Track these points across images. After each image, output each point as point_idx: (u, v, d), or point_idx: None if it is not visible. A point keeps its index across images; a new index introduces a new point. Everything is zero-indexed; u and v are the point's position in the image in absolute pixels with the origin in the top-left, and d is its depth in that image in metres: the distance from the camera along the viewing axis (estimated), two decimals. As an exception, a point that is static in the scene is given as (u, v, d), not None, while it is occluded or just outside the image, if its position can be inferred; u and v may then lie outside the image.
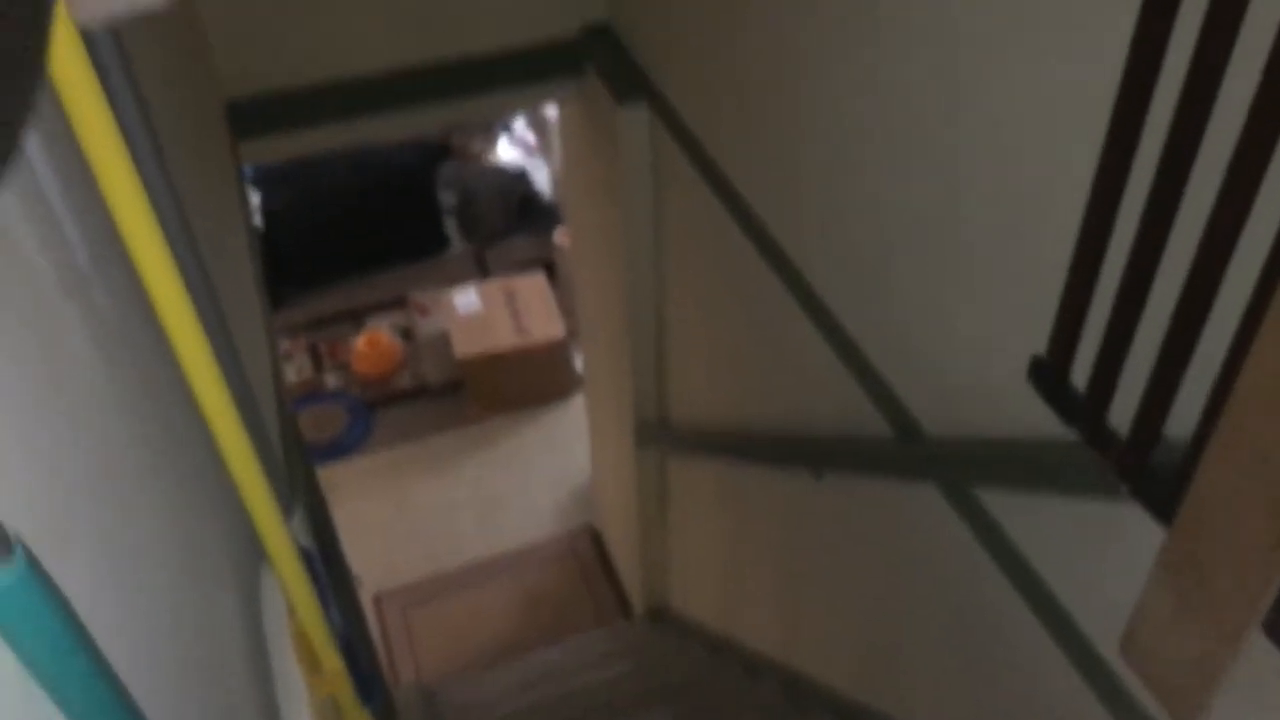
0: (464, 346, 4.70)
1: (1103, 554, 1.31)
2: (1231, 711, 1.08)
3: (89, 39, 0.74)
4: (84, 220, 0.77)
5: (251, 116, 2.50)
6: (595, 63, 2.65)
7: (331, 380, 5.06)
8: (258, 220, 5.14)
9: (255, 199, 5.15)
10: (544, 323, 4.77)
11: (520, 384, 4.80)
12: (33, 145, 0.68)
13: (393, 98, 2.61)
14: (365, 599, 4.17)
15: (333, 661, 1.13)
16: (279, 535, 0.98)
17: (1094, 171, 1.09)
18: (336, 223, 5.31)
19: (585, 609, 4.26)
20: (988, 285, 1.40)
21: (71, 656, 0.53)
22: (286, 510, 1.24)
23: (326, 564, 1.38)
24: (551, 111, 4.36)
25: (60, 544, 0.59)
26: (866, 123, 1.62)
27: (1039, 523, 1.42)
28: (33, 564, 0.49)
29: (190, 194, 1.35)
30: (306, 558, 1.21)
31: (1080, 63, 1.13)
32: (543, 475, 4.66)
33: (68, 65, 0.65)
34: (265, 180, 5.18)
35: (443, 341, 4.86)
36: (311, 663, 1.09)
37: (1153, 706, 1.25)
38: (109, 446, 0.75)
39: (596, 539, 4.46)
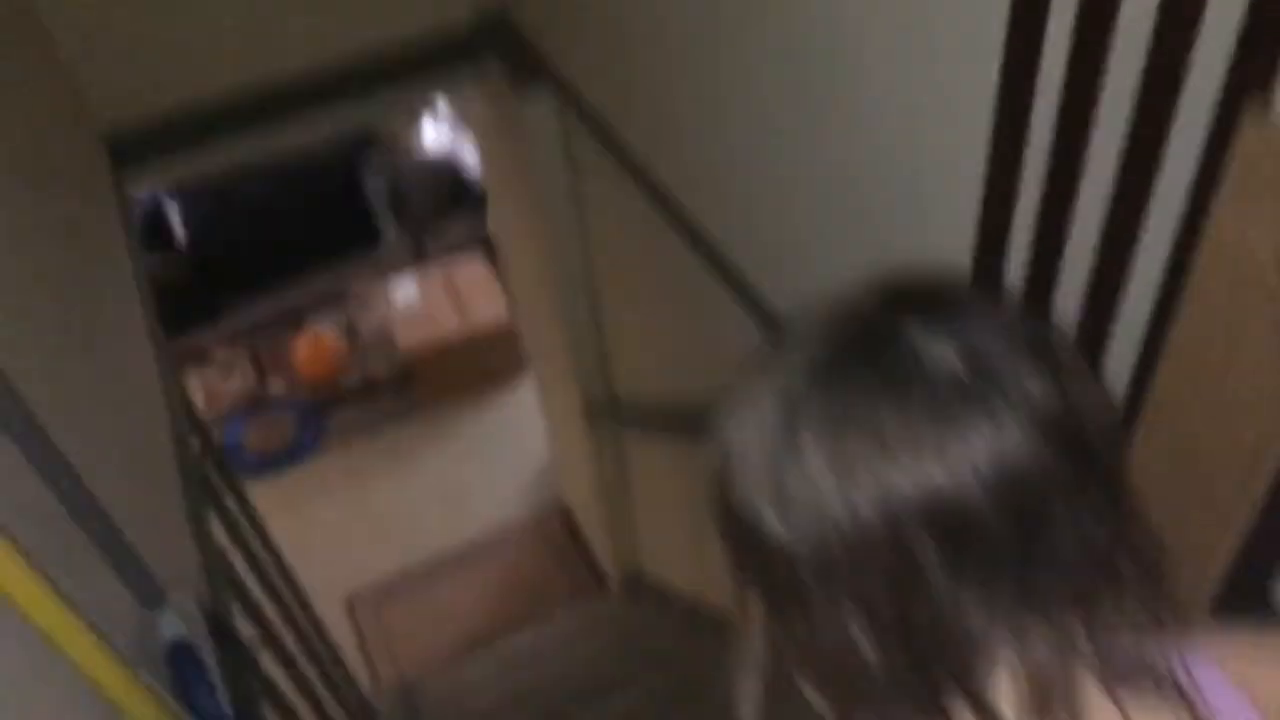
0: (407, 338, 4.61)
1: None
2: None
3: None
4: None
5: (134, 146, 2.38)
6: (494, 51, 2.54)
7: (276, 386, 4.94)
8: (180, 233, 4.98)
9: (174, 212, 4.98)
10: (487, 305, 4.69)
11: (470, 369, 4.72)
12: None
13: (282, 106, 2.50)
14: (336, 605, 4.12)
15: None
16: (121, 687, 0.90)
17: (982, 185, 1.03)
18: (263, 224, 5.15)
19: (561, 588, 4.23)
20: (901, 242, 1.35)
21: None
22: (153, 601, 1.17)
23: (228, 639, 1.31)
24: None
25: None
26: (762, 112, 1.55)
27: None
28: None
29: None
30: (184, 652, 1.14)
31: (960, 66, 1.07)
32: (504, 459, 4.60)
33: None
34: (183, 192, 5.01)
35: (386, 335, 4.76)
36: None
37: None
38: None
39: (566, 516, 4.42)
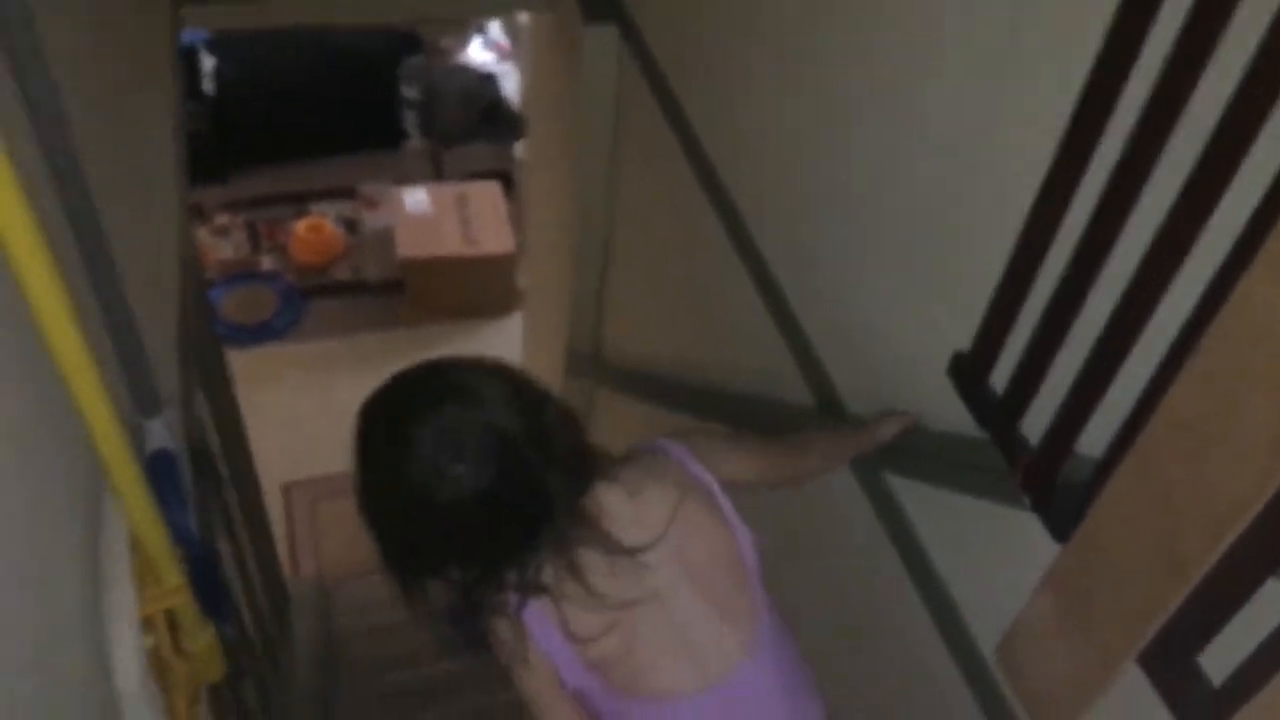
0: (407, 247, 4.60)
1: (998, 557, 1.30)
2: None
3: None
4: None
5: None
6: (571, -24, 2.53)
7: (267, 262, 4.92)
8: (210, 87, 4.93)
9: (209, 64, 4.93)
10: (493, 234, 4.68)
11: (461, 293, 4.71)
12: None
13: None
14: (273, 488, 4.11)
15: (173, 577, 1.07)
16: (114, 444, 0.91)
17: (1044, 176, 1.05)
18: (292, 100, 5.11)
19: (496, 526, 4.25)
20: (924, 270, 1.37)
21: None
22: (148, 409, 1.18)
23: (207, 462, 1.32)
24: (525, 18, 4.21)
25: None
26: (824, 98, 1.56)
27: (942, 515, 1.41)
28: None
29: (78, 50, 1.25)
30: (166, 461, 1.15)
31: (1042, 67, 1.08)
32: (471, 388, 4.60)
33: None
34: (222, 46, 4.95)
35: (387, 238, 4.74)
36: (153, 576, 1.04)
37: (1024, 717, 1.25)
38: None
39: (517, 458, 4.43)
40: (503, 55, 5.48)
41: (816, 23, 1.58)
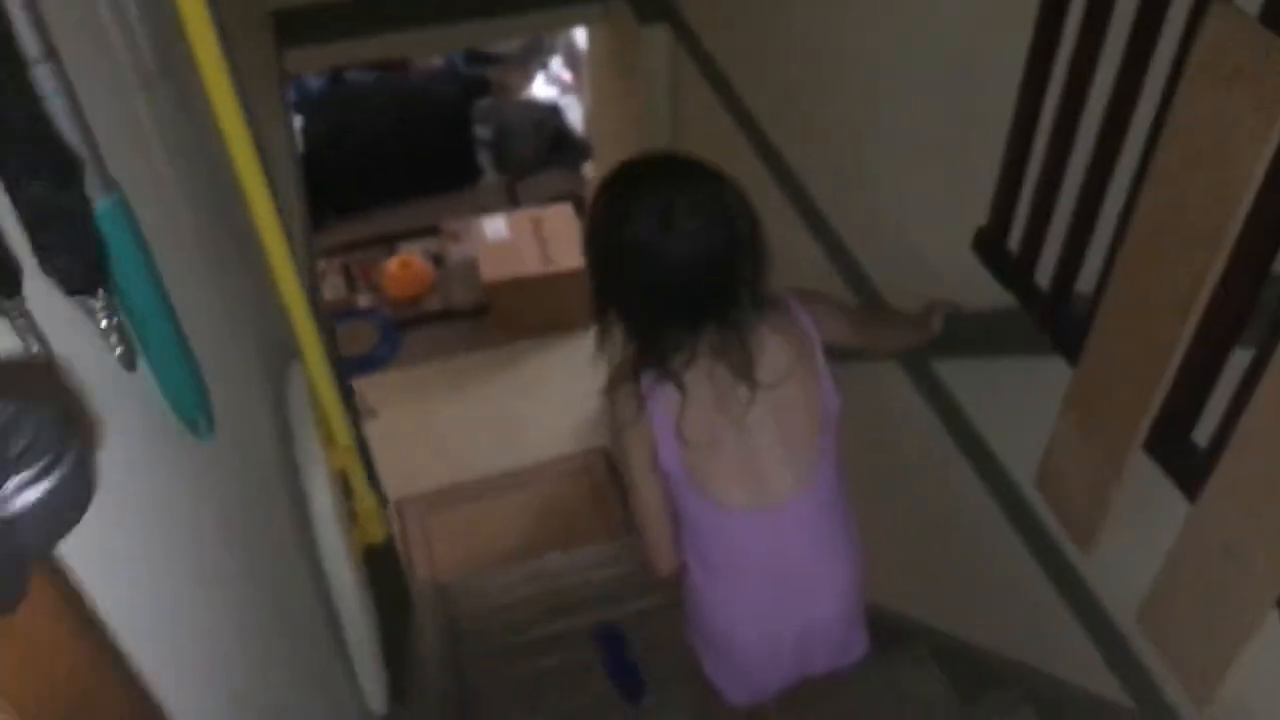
0: (491, 271, 4.90)
1: (1029, 406, 1.48)
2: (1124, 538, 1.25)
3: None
4: (153, 35, 0.95)
5: (295, 26, 2.68)
6: (622, -13, 2.81)
7: (364, 300, 5.28)
8: (299, 145, 5.33)
9: (298, 124, 5.34)
10: (569, 252, 4.95)
11: (543, 310, 4.98)
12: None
13: (429, 14, 2.79)
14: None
15: (345, 439, 1.32)
16: (308, 327, 1.16)
17: (1022, 69, 1.25)
18: (375, 152, 5.50)
19: (594, 524, 4.47)
20: (940, 166, 1.57)
21: (141, 269, 0.70)
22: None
23: (350, 394, 1.57)
24: (583, 42, 4.51)
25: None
26: (849, 51, 1.78)
27: (980, 383, 1.59)
28: (124, 200, 0.66)
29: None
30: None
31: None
32: (561, 398, 4.86)
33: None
34: (308, 107, 5.38)
35: (471, 267, 5.06)
36: (328, 439, 1.28)
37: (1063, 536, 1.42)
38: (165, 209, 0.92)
39: (609, 459, 4.66)
40: (564, 88, 5.81)
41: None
